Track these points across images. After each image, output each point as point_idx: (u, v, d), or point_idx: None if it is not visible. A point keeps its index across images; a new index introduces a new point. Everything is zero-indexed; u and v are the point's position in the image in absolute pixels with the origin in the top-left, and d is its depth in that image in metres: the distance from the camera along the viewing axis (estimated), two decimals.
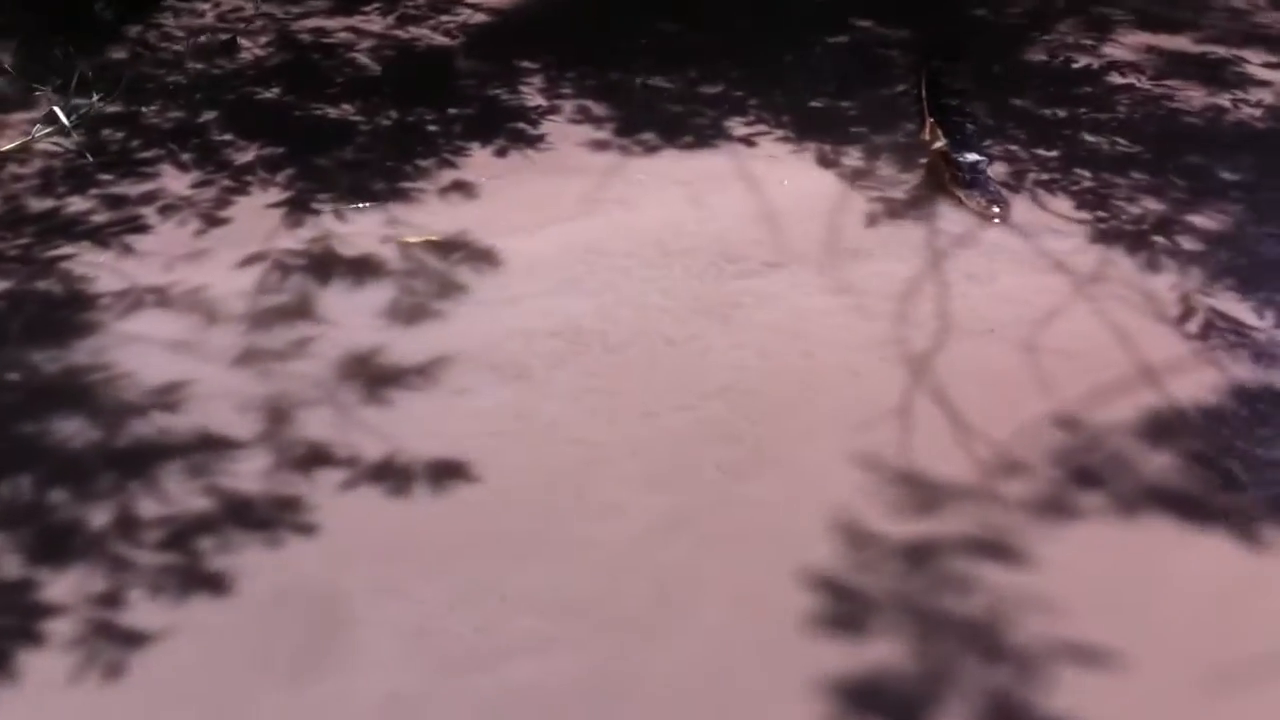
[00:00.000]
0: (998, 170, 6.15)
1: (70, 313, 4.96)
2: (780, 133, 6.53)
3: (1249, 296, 5.20)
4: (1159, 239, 5.61)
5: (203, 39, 7.42)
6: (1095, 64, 7.33)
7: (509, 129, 6.52)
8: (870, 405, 4.58)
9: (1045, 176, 6.13)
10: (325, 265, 5.29)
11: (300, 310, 5.01)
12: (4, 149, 6.07)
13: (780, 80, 7.06)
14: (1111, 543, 3.96)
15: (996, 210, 5.73)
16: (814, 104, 6.85)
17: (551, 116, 6.66)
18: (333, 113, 6.65)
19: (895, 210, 5.83)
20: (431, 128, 6.53)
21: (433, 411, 4.50)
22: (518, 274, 5.24)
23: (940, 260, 5.44)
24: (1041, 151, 6.36)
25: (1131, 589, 3.77)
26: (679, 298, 5.12)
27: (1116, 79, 7.14)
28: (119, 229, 5.56)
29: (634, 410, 4.48)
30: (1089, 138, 6.49)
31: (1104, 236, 5.63)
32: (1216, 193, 5.97)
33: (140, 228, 5.59)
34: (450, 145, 6.33)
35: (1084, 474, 4.23)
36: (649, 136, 6.47)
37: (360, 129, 6.50)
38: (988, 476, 4.22)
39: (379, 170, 6.07)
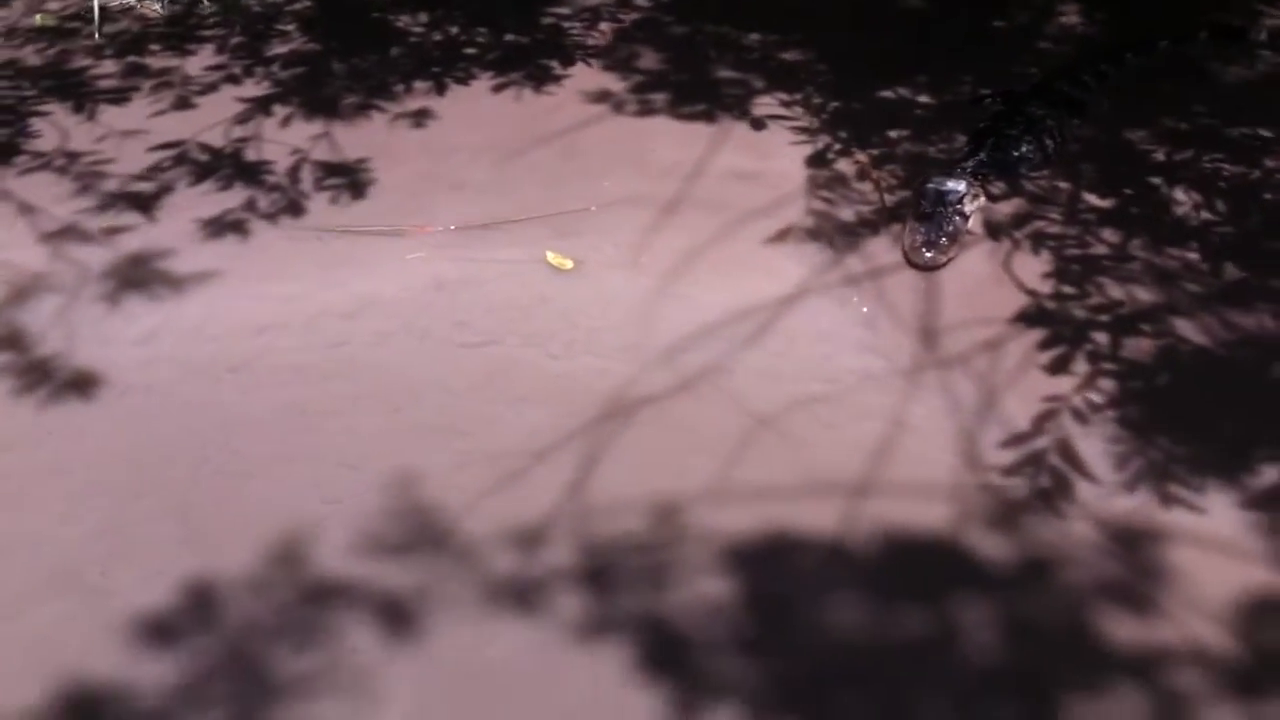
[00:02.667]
0: (1010, 208, 4.82)
1: None
2: (808, 120, 5.54)
3: (1129, 439, 3.74)
4: (1101, 340, 4.13)
5: None
6: None
7: (538, 64, 6.08)
8: (521, 438, 3.87)
9: (1058, 229, 4.71)
10: (212, 168, 5.32)
11: (147, 201, 5.09)
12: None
13: (883, 59, 5.94)
14: None
15: (928, 255, 4.51)
16: (886, 93, 5.72)
17: (595, 59, 6.12)
18: (403, 21, 6.57)
19: (823, 230, 4.78)
20: (469, 50, 6.24)
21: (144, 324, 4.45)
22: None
23: (793, 302, 4.40)
24: (1094, 199, 4.88)
25: None
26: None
27: None
28: (105, 97, 5.90)
29: None
30: (1176, 196, 4.86)
31: (1035, 319, 4.25)
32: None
33: (120, 99, 5.88)
34: (462, 71, 6.04)
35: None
36: (658, 98, 5.75)
37: (409, 40, 6.37)
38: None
39: (374, 85, 5.93)
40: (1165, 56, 5.87)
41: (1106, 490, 3.58)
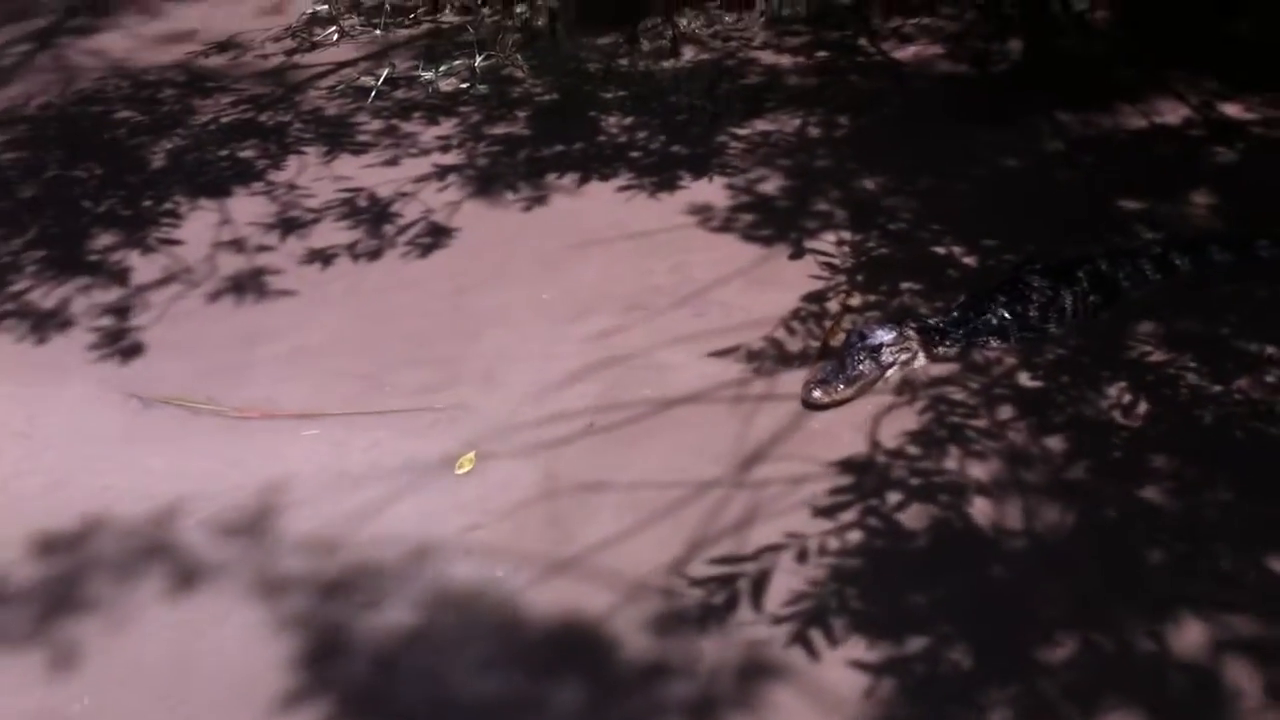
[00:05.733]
0: (942, 370, 5.02)
1: None
2: (842, 260, 5.92)
3: (822, 583, 4.01)
4: (892, 500, 4.36)
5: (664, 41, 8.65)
6: None
7: (673, 173, 6.89)
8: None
9: (960, 398, 4.87)
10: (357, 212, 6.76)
11: (295, 228, 6.56)
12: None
13: (975, 218, 6.21)
14: None
15: (814, 394, 4.85)
16: (938, 249, 5.97)
17: (721, 176, 6.82)
18: (609, 121, 7.63)
19: (764, 353, 5.23)
20: (634, 153, 7.19)
21: None
22: None
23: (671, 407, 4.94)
24: (1024, 378, 4.96)
25: None
26: None
27: None
28: (351, 147, 7.45)
29: None
30: (1107, 391, 4.82)
31: (855, 469, 4.53)
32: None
33: (359, 151, 7.38)
34: (609, 169, 7.03)
35: None
36: (744, 218, 6.39)
37: (596, 138, 7.39)
38: None
39: (532, 171, 7.09)
40: (1265, 257, 5.60)
41: (759, 619, 3.86)
